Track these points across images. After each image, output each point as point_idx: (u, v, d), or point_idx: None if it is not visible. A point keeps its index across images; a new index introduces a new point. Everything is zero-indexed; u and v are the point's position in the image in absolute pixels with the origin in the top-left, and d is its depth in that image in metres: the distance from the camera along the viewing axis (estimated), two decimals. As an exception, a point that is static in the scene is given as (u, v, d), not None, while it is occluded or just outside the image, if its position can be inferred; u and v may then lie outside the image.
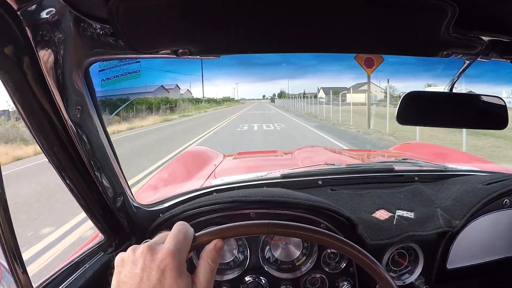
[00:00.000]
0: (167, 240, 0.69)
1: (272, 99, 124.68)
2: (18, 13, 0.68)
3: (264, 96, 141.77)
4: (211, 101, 74.71)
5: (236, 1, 0.75)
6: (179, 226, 0.72)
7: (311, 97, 47.66)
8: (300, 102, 49.82)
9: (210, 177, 2.31)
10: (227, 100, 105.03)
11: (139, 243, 0.70)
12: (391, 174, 1.86)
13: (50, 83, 0.81)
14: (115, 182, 1.15)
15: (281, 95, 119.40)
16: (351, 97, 33.91)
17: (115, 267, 0.68)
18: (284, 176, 1.80)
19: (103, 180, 1.09)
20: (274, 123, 22.76)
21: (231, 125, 22.64)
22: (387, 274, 0.82)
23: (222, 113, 39.32)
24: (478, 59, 1.15)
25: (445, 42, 0.92)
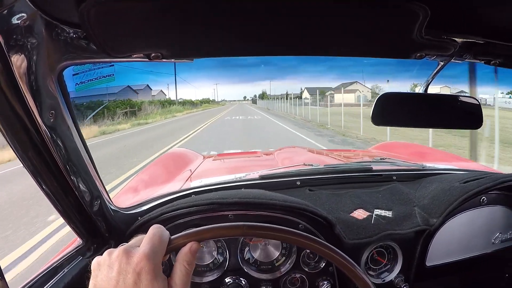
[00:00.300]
0: (143, 243, 0.69)
1: (254, 100, 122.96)
2: None
3: (245, 97, 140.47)
4: (187, 103, 71.94)
5: (207, 4, 0.76)
6: (154, 229, 0.73)
7: (294, 98, 46.22)
8: (283, 103, 47.81)
9: (189, 179, 2.31)
10: (205, 102, 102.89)
11: (117, 246, 0.70)
12: (369, 173, 1.88)
13: (23, 88, 0.80)
14: (92, 185, 1.15)
15: (263, 96, 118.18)
16: (342, 98, 32.37)
17: (91, 271, 0.69)
18: (262, 177, 1.80)
19: (80, 184, 1.08)
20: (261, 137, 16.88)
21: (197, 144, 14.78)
22: (363, 274, 0.83)
23: (194, 119, 32.33)
24: (452, 60, 1.16)
25: (418, 44, 0.93)
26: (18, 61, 0.76)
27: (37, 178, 0.98)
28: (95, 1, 0.69)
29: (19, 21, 0.72)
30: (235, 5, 0.77)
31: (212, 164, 3.05)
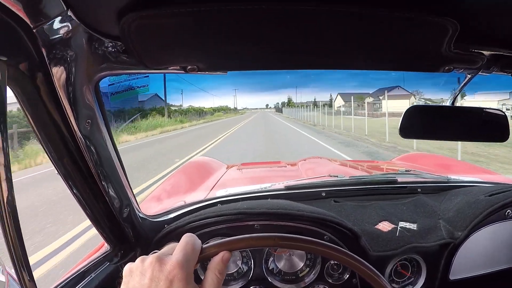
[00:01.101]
0: (176, 251, 0.70)
1: (278, 109, 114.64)
2: (34, 31, 0.71)
3: (267, 105, 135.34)
4: (190, 113, 56.42)
5: (242, 20, 0.77)
6: (187, 237, 0.73)
7: (323, 106, 41.80)
8: (311, 112, 42.21)
9: (214, 188, 2.32)
10: (221, 109, 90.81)
11: (144, 253, 0.71)
12: (394, 185, 1.87)
13: (61, 98, 0.83)
14: (122, 193, 1.17)
15: (289, 103, 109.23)
16: (391, 105, 26.47)
17: (123, 277, 0.69)
18: (288, 188, 1.81)
19: (110, 191, 1.11)
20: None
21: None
22: (389, 286, 0.83)
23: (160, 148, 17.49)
24: (480, 73, 1.16)
25: (447, 57, 0.93)
26: (58, 72, 0.79)
27: (69, 183, 1.01)
28: (136, 15, 0.71)
29: (61, 34, 0.74)
30: (267, 21, 0.79)
31: (236, 174, 3.06)
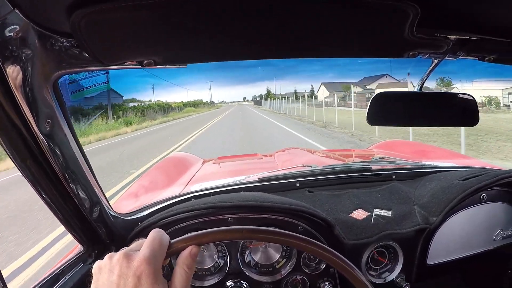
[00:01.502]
0: (143, 247, 0.70)
1: (257, 101, 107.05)
2: None
3: (244, 98, 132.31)
4: (150, 109, 46.22)
5: (197, 10, 0.76)
6: (154, 233, 0.74)
7: (307, 97, 37.73)
8: (296, 104, 36.43)
9: (189, 184, 2.31)
10: (193, 104, 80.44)
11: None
12: (368, 173, 1.88)
13: (18, 98, 0.81)
14: (91, 192, 1.15)
15: (268, 95, 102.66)
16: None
17: (93, 275, 0.69)
18: (262, 180, 1.81)
19: (79, 192, 1.09)
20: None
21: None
22: (362, 276, 0.83)
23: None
24: (446, 57, 1.16)
25: (410, 42, 0.93)
26: (13, 72, 0.77)
27: (36, 187, 0.99)
28: (85, 11, 0.69)
29: (11, 33, 0.72)
30: (225, 11, 0.78)
31: (212, 168, 3.06)
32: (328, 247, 0.84)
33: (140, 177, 3.84)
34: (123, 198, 2.53)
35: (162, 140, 18.40)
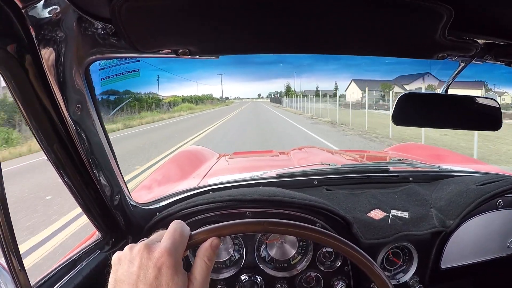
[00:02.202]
0: (164, 238, 0.69)
1: (275, 99, 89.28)
2: (23, 11, 0.69)
3: (259, 95, 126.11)
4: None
5: (233, 3, 0.76)
6: (175, 224, 0.73)
7: (321, 96, 35.50)
8: (320, 104, 32.15)
9: (206, 177, 2.32)
10: (196, 100, 66.51)
11: (135, 241, 0.70)
12: (386, 174, 1.88)
13: (51, 81, 0.81)
14: (113, 180, 1.16)
15: (288, 92, 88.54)
16: None
17: (112, 266, 0.69)
18: (280, 176, 1.81)
19: (101, 178, 1.10)
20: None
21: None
22: (382, 272, 0.83)
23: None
24: (473, 61, 1.15)
25: (441, 44, 0.93)
26: (47, 54, 0.77)
27: (60, 171, 1.00)
28: None
29: (51, 15, 0.73)
30: (259, 4, 0.78)
31: (228, 162, 3.06)
32: (349, 242, 0.84)
33: (155, 169, 3.85)
34: (139, 189, 2.54)
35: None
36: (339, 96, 35.11)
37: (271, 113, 38.20)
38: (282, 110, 45.16)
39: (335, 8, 0.81)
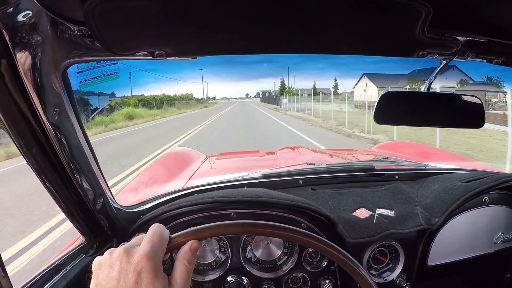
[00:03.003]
0: (143, 242, 0.70)
1: (270, 98, 69.99)
2: None
3: (247, 94, 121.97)
4: None
5: (209, 3, 0.76)
6: (154, 228, 0.73)
7: (323, 95, 31.56)
8: (331, 105, 23.66)
9: (192, 178, 2.32)
10: (161, 100, 47.52)
11: (120, 245, 0.70)
12: (372, 173, 1.88)
13: (27, 85, 0.81)
14: (95, 183, 1.15)
15: (283, 91, 76.18)
16: None
17: (92, 271, 0.69)
18: (265, 176, 1.81)
19: (83, 182, 1.09)
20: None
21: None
22: (366, 273, 0.83)
23: None
24: (455, 59, 1.16)
25: (421, 42, 0.93)
26: (22, 58, 0.77)
27: (41, 176, 0.99)
28: (99, 0, 0.69)
29: (24, 19, 0.72)
30: (237, 5, 0.78)
31: (214, 163, 3.06)
32: (331, 243, 0.84)
33: (141, 171, 3.83)
34: (125, 191, 2.53)
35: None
36: (347, 95, 31.21)
37: (272, 124, 22.94)
38: (284, 116, 30.64)
39: (314, 8, 0.81)
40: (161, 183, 2.57)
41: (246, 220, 0.82)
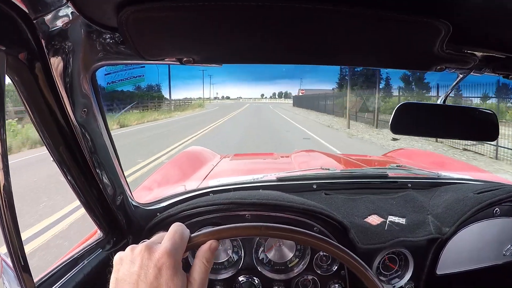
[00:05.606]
0: (164, 240, 0.71)
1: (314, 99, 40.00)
2: (34, 22, 0.73)
3: (262, 95, 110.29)
4: None
5: (239, 15, 0.78)
6: (175, 227, 0.75)
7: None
8: None
9: (207, 178, 2.33)
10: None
11: (136, 241, 0.73)
12: (385, 180, 1.89)
13: (59, 87, 0.85)
14: (116, 181, 1.19)
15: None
16: None
17: (114, 265, 0.71)
18: (279, 179, 1.83)
19: (104, 179, 1.13)
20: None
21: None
22: (376, 279, 0.85)
23: None
24: (472, 73, 1.17)
25: (439, 57, 0.94)
26: (56, 62, 0.81)
27: (64, 171, 1.03)
28: (134, 9, 0.72)
29: (61, 25, 0.76)
30: (263, 17, 0.80)
31: (229, 164, 3.07)
32: (344, 248, 0.86)
33: (156, 170, 3.86)
34: (139, 190, 2.55)
35: None
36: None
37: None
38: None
39: (337, 22, 0.83)
40: (176, 182, 2.58)
41: (261, 222, 0.84)
